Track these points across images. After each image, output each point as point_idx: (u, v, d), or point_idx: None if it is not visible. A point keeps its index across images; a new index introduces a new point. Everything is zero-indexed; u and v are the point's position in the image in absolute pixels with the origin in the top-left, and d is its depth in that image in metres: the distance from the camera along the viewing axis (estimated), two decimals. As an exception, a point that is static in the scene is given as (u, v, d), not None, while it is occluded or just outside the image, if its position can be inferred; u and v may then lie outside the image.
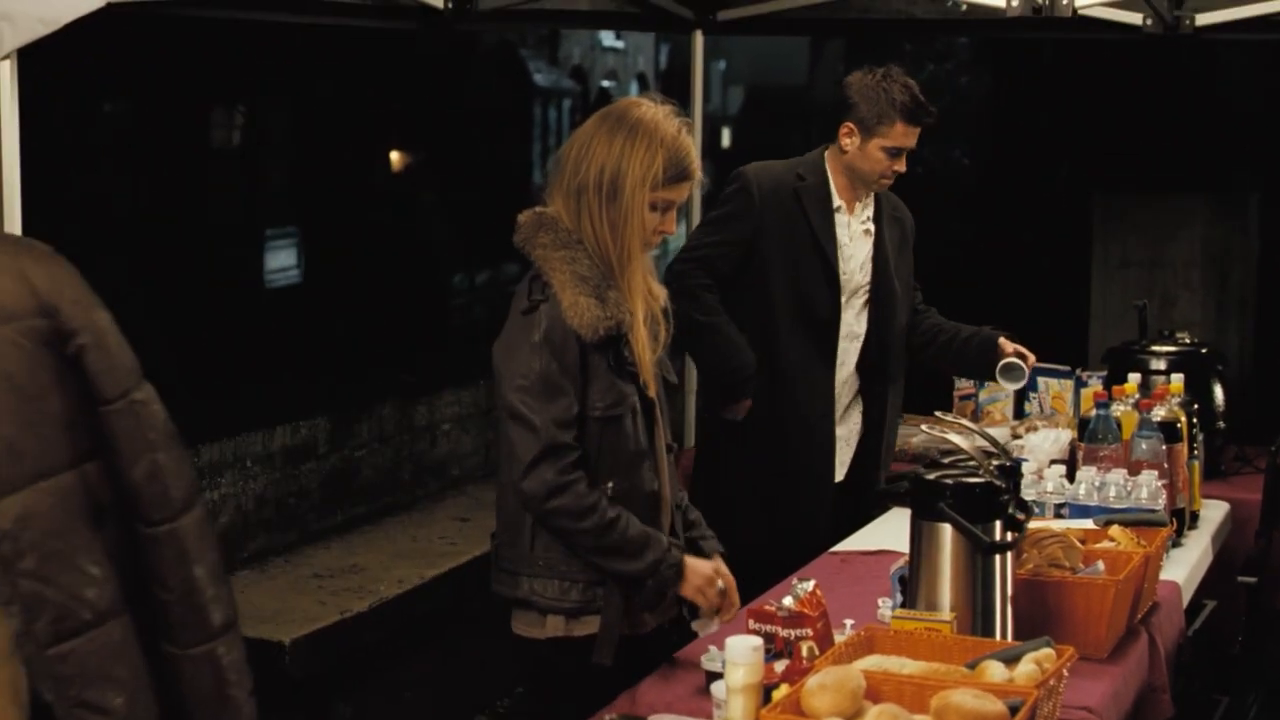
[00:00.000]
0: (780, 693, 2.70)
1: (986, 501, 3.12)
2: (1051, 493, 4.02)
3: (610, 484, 3.20)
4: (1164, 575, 3.87)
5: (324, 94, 7.29)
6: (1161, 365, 5.00)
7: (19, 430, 1.96)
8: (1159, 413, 4.24)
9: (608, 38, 13.51)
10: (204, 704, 2.14)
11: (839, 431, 4.63)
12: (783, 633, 3.02)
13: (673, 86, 6.73)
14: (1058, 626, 3.24)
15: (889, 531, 4.24)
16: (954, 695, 2.58)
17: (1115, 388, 4.51)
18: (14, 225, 3.17)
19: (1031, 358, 4.59)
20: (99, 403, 2.05)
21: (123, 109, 6.02)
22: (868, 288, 4.62)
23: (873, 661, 2.82)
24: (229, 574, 5.28)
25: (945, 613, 3.10)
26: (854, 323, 4.60)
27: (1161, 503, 3.92)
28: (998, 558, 3.13)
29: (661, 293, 3.36)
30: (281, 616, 4.94)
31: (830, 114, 4.62)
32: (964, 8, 5.30)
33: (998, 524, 3.13)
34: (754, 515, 4.53)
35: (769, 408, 4.53)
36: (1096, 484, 3.95)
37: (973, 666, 2.79)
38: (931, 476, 3.18)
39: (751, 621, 3.07)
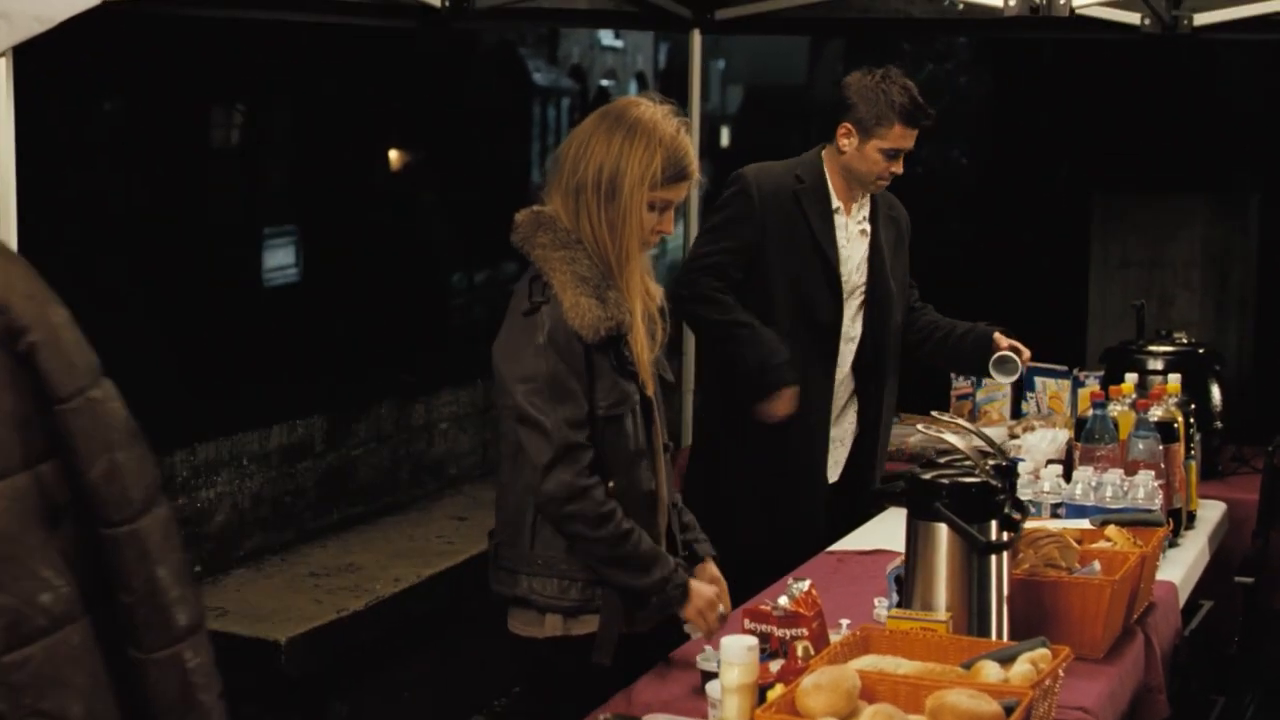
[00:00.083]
0: (775, 692, 2.70)
1: (982, 501, 3.12)
2: (1048, 493, 4.02)
3: (610, 483, 3.20)
4: (1161, 575, 3.87)
5: (322, 93, 7.29)
6: (1159, 365, 5.00)
7: None
8: (1156, 413, 4.23)
9: (607, 37, 13.50)
10: (171, 709, 2.10)
11: (834, 432, 4.63)
12: (778, 632, 3.02)
13: (672, 86, 6.74)
14: (1054, 627, 3.24)
15: (885, 531, 4.24)
16: (949, 695, 2.58)
17: (1112, 388, 4.51)
18: (9, 224, 3.16)
19: (1026, 353, 4.59)
20: (54, 401, 2.01)
21: (118, 107, 6.02)
22: (863, 288, 4.61)
23: (868, 661, 2.82)
24: (225, 573, 5.33)
25: (941, 613, 3.09)
26: (850, 323, 4.60)
27: (1158, 503, 3.92)
28: (993, 558, 3.13)
29: (658, 292, 3.36)
30: (278, 615, 4.93)
31: (829, 114, 4.62)
32: (960, 7, 5.29)
33: (993, 524, 3.13)
34: (750, 515, 4.53)
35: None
36: (1093, 484, 3.95)
37: (968, 666, 2.79)
38: (927, 476, 3.17)
39: (747, 621, 3.07)
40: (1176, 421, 4.26)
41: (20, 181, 3.18)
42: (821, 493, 4.61)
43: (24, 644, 1.92)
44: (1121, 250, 7.65)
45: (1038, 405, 5.47)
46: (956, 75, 10.11)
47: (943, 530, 3.12)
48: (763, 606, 3.07)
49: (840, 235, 4.56)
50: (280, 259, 7.20)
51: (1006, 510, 3.14)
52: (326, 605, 5.06)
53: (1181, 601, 4.02)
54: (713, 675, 2.88)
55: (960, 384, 5.63)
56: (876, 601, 3.53)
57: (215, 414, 5.57)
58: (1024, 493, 3.91)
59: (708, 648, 3.19)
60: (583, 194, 3.21)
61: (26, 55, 3.13)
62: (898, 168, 4.50)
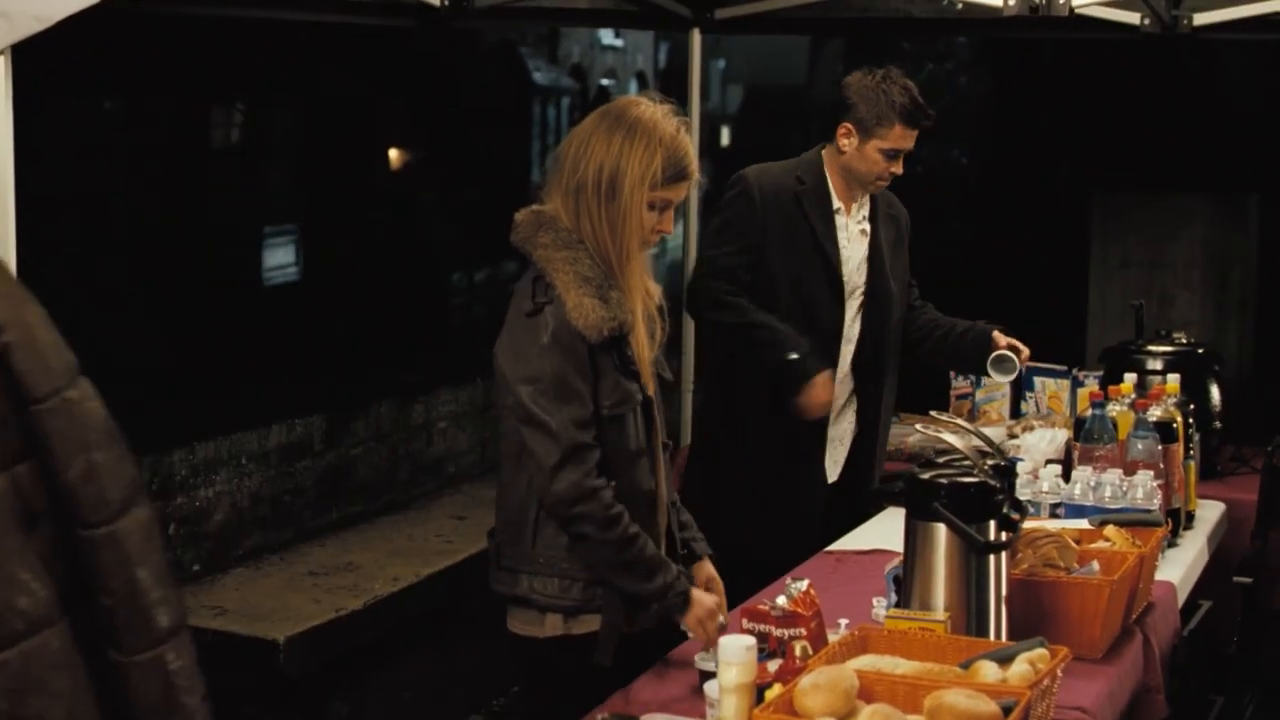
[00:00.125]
0: (773, 692, 2.70)
1: (981, 501, 3.12)
2: (1047, 492, 4.02)
3: (611, 483, 3.20)
4: (1159, 575, 3.87)
5: (323, 92, 7.29)
6: (1158, 365, 4.99)
7: None
8: (1155, 413, 4.23)
9: (607, 36, 13.50)
10: (153, 712, 2.07)
11: (833, 431, 4.63)
12: (776, 632, 3.02)
13: (672, 85, 6.75)
14: (1052, 627, 3.24)
15: (884, 531, 4.24)
16: (947, 695, 2.58)
17: (1111, 388, 4.51)
18: (8, 223, 3.16)
19: (1025, 352, 4.58)
20: (29, 402, 1.96)
21: (117, 106, 6.01)
22: (863, 288, 4.61)
23: (866, 661, 2.82)
24: (224, 572, 5.32)
25: (939, 612, 3.09)
26: (850, 323, 4.60)
27: (1157, 503, 3.92)
28: (992, 557, 3.13)
29: (656, 290, 3.36)
30: (276, 614, 4.93)
31: (829, 114, 4.61)
32: (959, 6, 5.29)
33: (992, 524, 3.13)
34: (749, 514, 4.53)
35: (767, 408, 4.52)
36: (1092, 484, 3.95)
37: (966, 666, 2.79)
38: (926, 476, 3.17)
39: (745, 621, 3.07)
40: (1175, 421, 4.26)
41: (19, 181, 3.18)
42: (821, 492, 4.61)
43: (1, 649, 1.88)
44: (1121, 250, 7.65)
45: (1037, 405, 5.47)
46: (956, 75, 10.10)
47: (941, 530, 3.12)
48: (761, 606, 3.07)
49: (841, 236, 4.56)
50: (280, 258, 7.19)
51: (1005, 510, 3.14)
52: (325, 604, 5.06)
53: (1180, 602, 4.02)
54: (711, 675, 2.88)
55: (959, 384, 5.63)
56: (875, 601, 3.52)
57: (214, 413, 5.57)
58: (1023, 493, 3.91)
59: (707, 647, 3.20)
60: (583, 194, 3.21)
61: (26, 54, 3.13)
62: (897, 168, 4.50)
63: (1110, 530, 3.65)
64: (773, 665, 2.92)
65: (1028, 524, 3.41)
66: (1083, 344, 7.45)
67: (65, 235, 5.21)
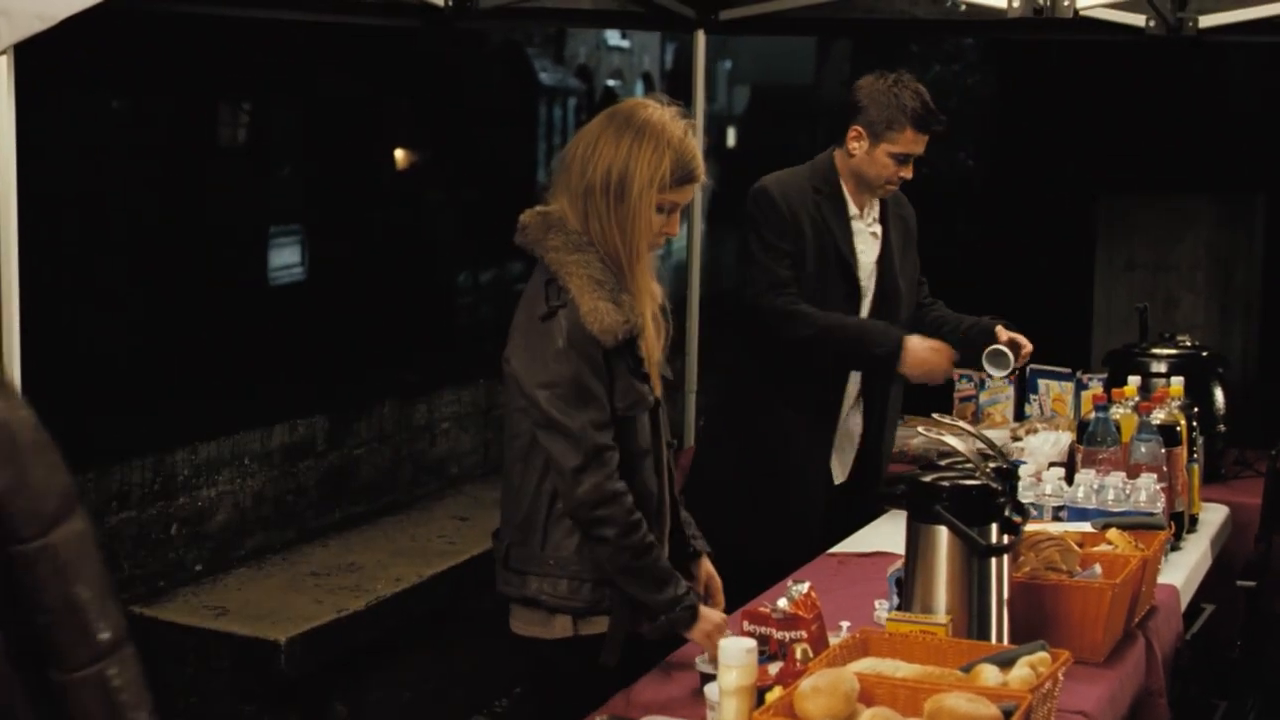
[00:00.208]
0: (773, 695, 2.70)
1: (982, 504, 3.11)
2: (1050, 495, 4.01)
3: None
4: (1162, 579, 3.86)
5: (329, 92, 7.29)
6: (1162, 368, 4.98)
7: None
8: (1158, 416, 4.22)
9: (613, 37, 13.50)
10: None
11: (841, 430, 4.62)
12: (777, 635, 3.01)
13: (678, 86, 6.73)
14: (1054, 630, 3.23)
15: (886, 533, 4.23)
16: (947, 699, 2.57)
17: (1115, 390, 4.50)
18: (9, 223, 3.16)
19: (1027, 346, 4.56)
20: None
21: (120, 106, 6.01)
22: (873, 290, 4.61)
23: (867, 664, 2.81)
24: (226, 572, 5.32)
25: (941, 616, 3.08)
26: None
27: (1160, 506, 3.91)
28: (994, 561, 3.12)
29: (660, 292, 3.36)
30: (278, 615, 4.93)
31: (836, 114, 4.60)
32: (963, 8, 5.28)
33: (994, 527, 3.12)
34: (754, 515, 4.52)
35: (779, 410, 4.52)
36: (1095, 487, 3.94)
37: (967, 670, 2.78)
38: (927, 479, 3.17)
39: (746, 623, 3.07)
40: (1179, 424, 4.25)
41: (21, 180, 3.18)
42: (825, 494, 4.60)
43: None
44: (1126, 253, 7.65)
45: (1041, 407, 5.45)
46: (964, 77, 10.10)
47: (943, 533, 3.11)
48: (762, 609, 3.07)
49: (857, 240, 4.57)
50: (283, 258, 7.20)
51: (1007, 513, 3.13)
52: (327, 605, 5.05)
53: (1183, 605, 4.00)
54: (712, 677, 2.88)
55: (963, 386, 5.61)
56: (877, 604, 3.52)
57: (217, 413, 5.57)
58: (1026, 495, 3.90)
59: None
60: (591, 196, 3.21)
61: (28, 53, 3.12)
62: (907, 172, 4.49)
63: (1113, 533, 3.64)
64: (773, 668, 2.91)
65: (1030, 527, 3.41)
66: (1088, 346, 7.44)
67: (68, 234, 5.22)
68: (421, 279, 8.21)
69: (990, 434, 4.57)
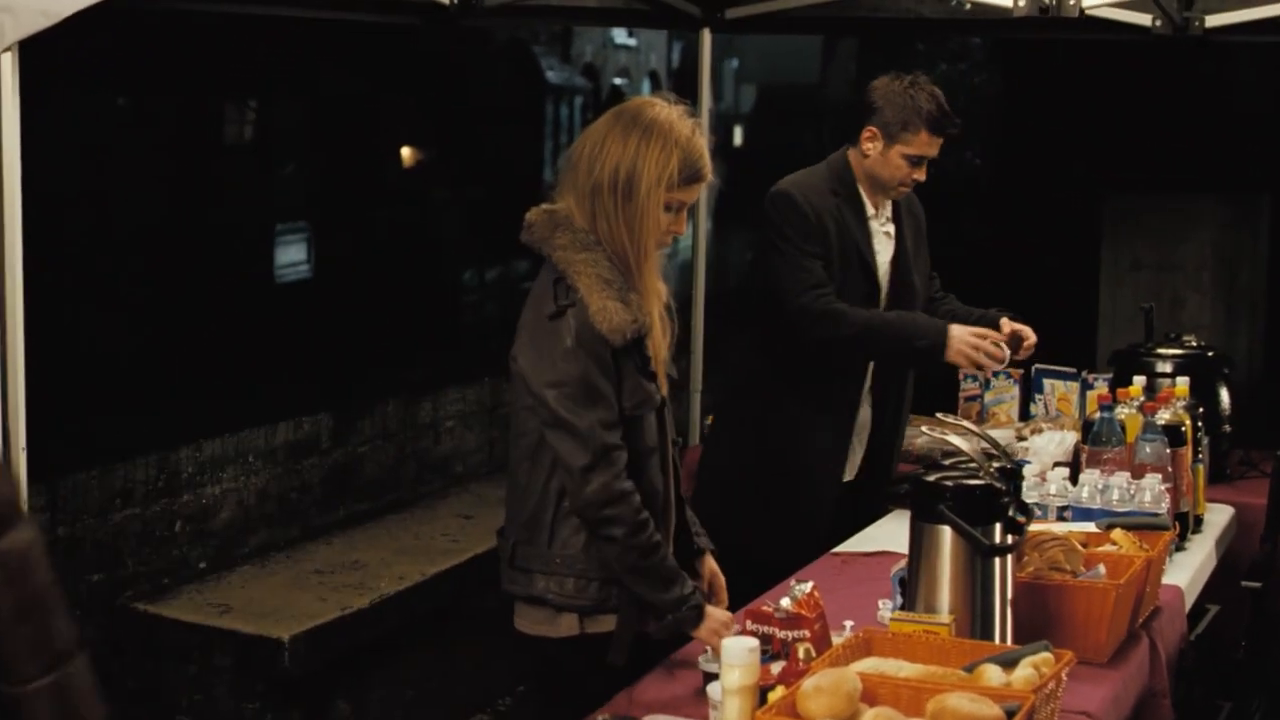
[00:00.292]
0: (776, 694, 2.69)
1: (986, 504, 3.11)
2: (1054, 495, 4.00)
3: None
4: (1167, 579, 3.86)
5: (334, 90, 7.29)
6: (1167, 368, 4.97)
7: None
8: (1163, 416, 4.22)
9: (620, 35, 13.49)
10: None
11: (854, 427, 4.62)
12: (780, 634, 3.01)
13: (685, 85, 6.73)
14: (1058, 630, 3.23)
15: (890, 533, 4.22)
16: (950, 699, 2.57)
17: (1120, 390, 4.49)
18: (14, 220, 3.16)
19: (1031, 338, 4.55)
20: None
21: (125, 103, 6.01)
22: (888, 289, 4.61)
23: (870, 664, 2.81)
24: (230, 570, 5.32)
25: (944, 615, 3.08)
26: None
27: (1165, 506, 3.90)
28: (997, 560, 3.12)
29: (665, 290, 3.36)
30: (281, 612, 4.93)
31: (842, 114, 4.59)
32: (968, 6, 5.27)
33: (997, 527, 3.12)
34: (763, 514, 4.52)
35: (793, 409, 4.51)
36: (1100, 487, 3.93)
37: (970, 670, 2.77)
38: (931, 478, 3.16)
39: (749, 622, 3.07)
40: (1184, 425, 4.24)
41: (25, 177, 3.18)
42: (835, 494, 4.59)
43: None
44: (1132, 252, 7.64)
45: (1046, 407, 5.45)
46: (970, 76, 10.09)
47: (946, 533, 3.11)
48: (765, 608, 3.06)
49: (874, 241, 4.57)
50: (288, 256, 7.20)
51: (1011, 513, 3.12)
52: (331, 603, 5.05)
53: (1188, 606, 4.00)
54: (714, 676, 2.87)
55: (968, 385, 5.61)
56: (881, 603, 3.51)
57: (221, 410, 5.57)
58: (1030, 495, 3.90)
59: (710, 648, 3.19)
60: (599, 195, 3.21)
61: (32, 50, 3.12)
62: (921, 174, 4.49)
63: (1117, 534, 3.63)
64: (776, 667, 2.91)
65: (1034, 527, 3.40)
66: (1093, 346, 7.44)
67: (72, 231, 5.22)
68: (427, 277, 8.21)
69: (995, 433, 4.56)
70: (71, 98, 5.23)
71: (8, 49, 3.07)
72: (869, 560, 4.09)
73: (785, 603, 3.04)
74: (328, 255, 7.17)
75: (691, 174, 3.24)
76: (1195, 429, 4.34)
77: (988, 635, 3.11)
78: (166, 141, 6.02)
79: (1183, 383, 4.55)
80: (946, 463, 3.28)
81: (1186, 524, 4.25)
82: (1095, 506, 3.89)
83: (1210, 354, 5.14)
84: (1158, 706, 3.54)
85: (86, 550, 4.82)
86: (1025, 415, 5.51)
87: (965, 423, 3.75)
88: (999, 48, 9.67)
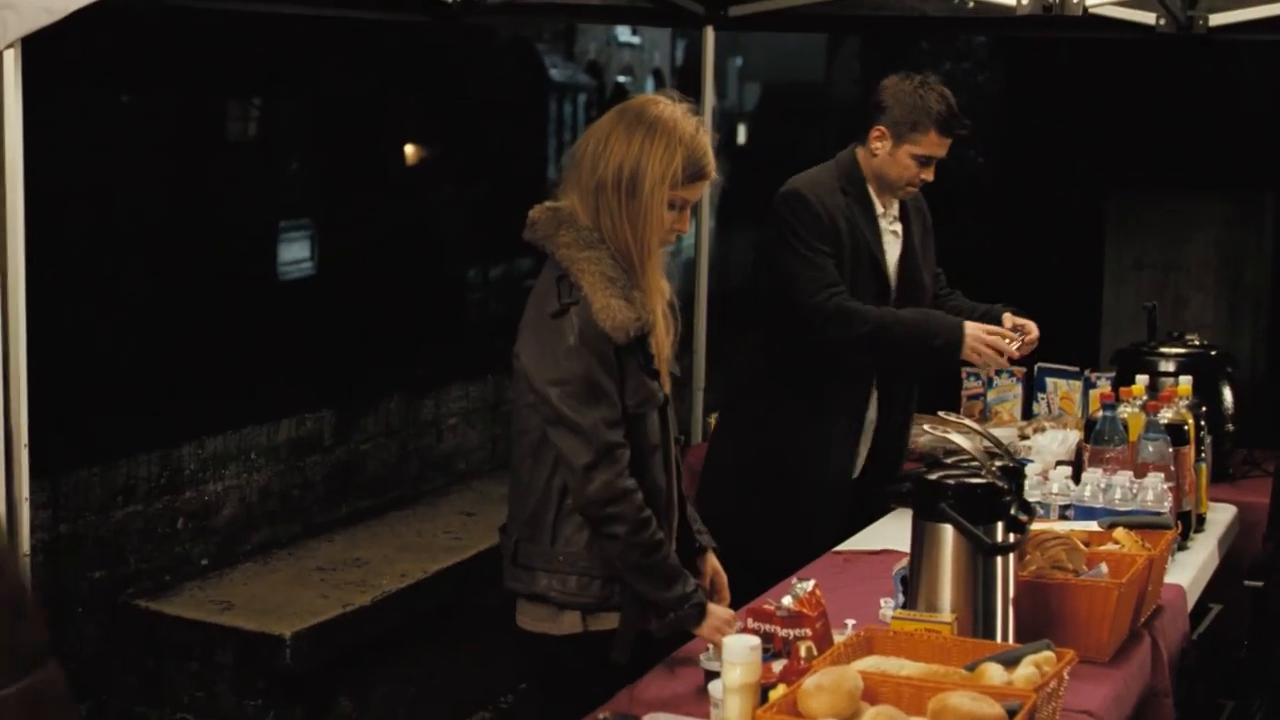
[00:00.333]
0: (777, 693, 2.69)
1: (988, 503, 3.11)
2: (1057, 494, 4.00)
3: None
4: (1169, 579, 3.86)
5: (338, 87, 7.29)
6: (1170, 367, 4.97)
7: None
8: (1166, 415, 4.21)
9: (624, 33, 13.48)
10: None
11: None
12: (781, 632, 3.01)
13: (689, 83, 6.72)
14: (1060, 629, 3.22)
15: (893, 531, 4.22)
16: (951, 697, 2.56)
17: (1123, 389, 4.49)
18: (17, 216, 3.16)
19: (1033, 332, 4.55)
20: None
21: (128, 100, 6.01)
22: (896, 288, 4.61)
23: (871, 662, 2.81)
24: (232, 566, 5.32)
25: (946, 614, 3.08)
26: None
27: (1167, 505, 3.90)
28: (999, 559, 3.12)
29: (668, 288, 3.37)
30: (283, 609, 4.93)
31: (847, 112, 4.60)
32: (971, 4, 5.27)
33: (999, 525, 3.11)
34: (772, 514, 4.52)
35: (801, 409, 4.51)
36: (1102, 486, 3.93)
37: (972, 669, 2.77)
38: (933, 477, 3.16)
39: (750, 620, 3.06)
40: (1187, 424, 4.24)
41: (28, 174, 3.18)
42: (844, 493, 4.58)
43: None
44: (1135, 251, 7.63)
45: (1049, 406, 5.44)
46: (973, 74, 10.08)
47: (948, 531, 3.11)
48: (766, 606, 3.06)
49: (884, 241, 4.57)
50: (290, 253, 7.19)
51: (1012, 512, 3.12)
52: (333, 600, 5.05)
53: (1190, 605, 4.00)
54: (716, 674, 2.87)
55: (971, 384, 5.61)
56: (883, 602, 3.51)
57: (223, 407, 5.57)
58: (1032, 494, 3.89)
59: (711, 646, 3.19)
60: (602, 192, 3.21)
61: (35, 47, 3.12)
62: (928, 174, 4.49)
63: (1120, 533, 3.63)
64: (777, 666, 2.91)
65: (1036, 525, 3.40)
66: (1096, 345, 7.43)
67: (75, 228, 5.22)
68: (429, 274, 8.21)
69: (998, 432, 4.56)
70: (74, 95, 5.22)
71: (10, 46, 3.07)
72: (871, 559, 4.09)
73: (787, 601, 3.04)
74: (331, 252, 7.17)
75: (695, 172, 3.24)
76: (1198, 428, 4.33)
77: (989, 634, 3.11)
78: (169, 138, 6.02)
79: (1185, 382, 4.55)
80: (949, 461, 3.27)
81: (1189, 523, 4.25)
82: (1097, 505, 3.89)
83: (1213, 353, 5.14)
84: (1159, 706, 3.54)
85: (88, 547, 4.82)
86: (1028, 414, 5.51)
87: (968, 421, 3.75)
88: (1002, 46, 9.66)
